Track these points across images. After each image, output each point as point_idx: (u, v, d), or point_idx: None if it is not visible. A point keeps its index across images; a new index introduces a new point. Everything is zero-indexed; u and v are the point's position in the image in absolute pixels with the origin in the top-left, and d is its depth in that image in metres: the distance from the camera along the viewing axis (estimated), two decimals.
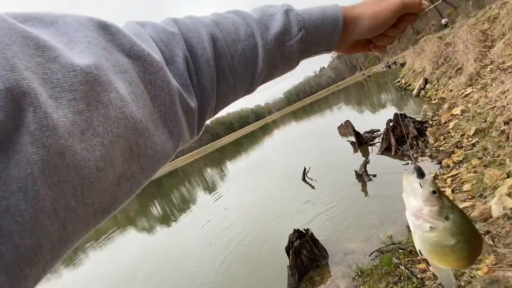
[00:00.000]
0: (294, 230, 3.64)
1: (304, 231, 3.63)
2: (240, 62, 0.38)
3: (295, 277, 3.31)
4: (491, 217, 2.39)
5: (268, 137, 31.17)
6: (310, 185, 6.58)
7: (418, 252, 0.53)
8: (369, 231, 3.56)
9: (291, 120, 42.07)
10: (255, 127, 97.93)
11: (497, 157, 3.14)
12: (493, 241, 2.16)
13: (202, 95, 0.36)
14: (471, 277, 1.95)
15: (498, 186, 2.64)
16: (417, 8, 0.45)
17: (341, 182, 5.68)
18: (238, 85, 0.40)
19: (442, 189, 0.47)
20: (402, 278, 2.39)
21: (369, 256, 3.06)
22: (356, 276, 2.86)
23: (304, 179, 6.88)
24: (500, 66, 4.92)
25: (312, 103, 68.06)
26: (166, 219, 10.43)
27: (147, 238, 8.95)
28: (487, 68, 5.65)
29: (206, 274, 4.56)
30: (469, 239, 0.46)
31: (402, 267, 2.45)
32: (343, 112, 19.09)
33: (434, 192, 0.44)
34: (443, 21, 23.77)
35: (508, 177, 2.70)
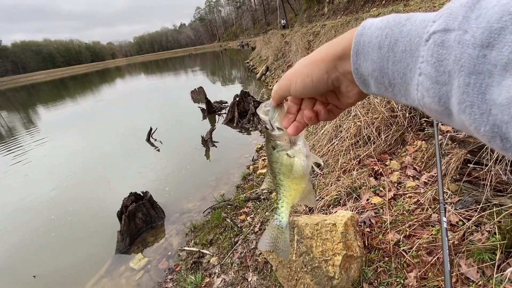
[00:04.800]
0: (130, 193, 3.38)
1: (142, 194, 3.46)
2: None
3: (126, 242, 3.14)
4: None
5: (107, 85, 25.97)
6: (154, 146, 6.25)
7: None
8: (206, 191, 3.95)
9: (141, 72, 37.20)
10: (90, 69, 77.99)
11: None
12: None
13: None
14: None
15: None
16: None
17: (187, 146, 5.81)
18: None
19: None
20: (226, 228, 2.88)
21: (203, 213, 3.42)
22: (189, 232, 3.13)
23: (148, 140, 6.44)
24: None
25: (167, 59, 63.05)
26: None
27: None
28: None
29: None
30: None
31: (228, 220, 2.95)
32: (197, 77, 19.22)
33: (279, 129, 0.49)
34: (282, 22, 28.72)
35: None
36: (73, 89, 26.84)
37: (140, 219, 3.33)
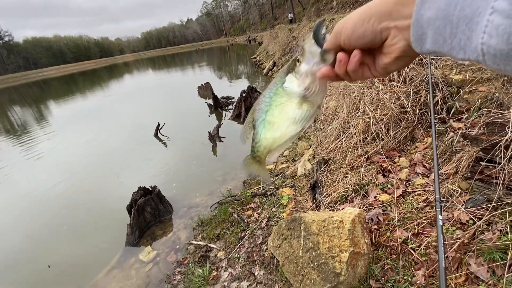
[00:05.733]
0: (139, 187, 3.44)
1: (150, 188, 3.52)
2: None
3: (135, 235, 3.21)
4: (296, 175, 3.34)
5: (116, 81, 26.28)
6: (162, 141, 6.33)
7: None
8: (213, 187, 3.99)
9: (148, 67, 37.45)
10: (99, 65, 79.04)
11: (306, 133, 4.34)
12: (295, 192, 3.05)
13: None
14: (279, 218, 2.69)
15: (304, 154, 3.70)
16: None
17: (194, 141, 5.86)
18: None
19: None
20: (233, 223, 2.91)
21: (210, 208, 3.46)
22: (196, 226, 3.18)
23: (156, 135, 6.51)
24: None
25: (174, 55, 63.26)
26: None
27: None
28: None
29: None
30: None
31: (235, 215, 2.98)
32: (204, 73, 19.24)
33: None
34: (290, 16, 28.28)
35: (310, 148, 3.82)
36: (82, 84, 27.26)
37: (148, 213, 3.39)
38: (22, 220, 4.11)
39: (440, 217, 1.17)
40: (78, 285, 2.79)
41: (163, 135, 6.53)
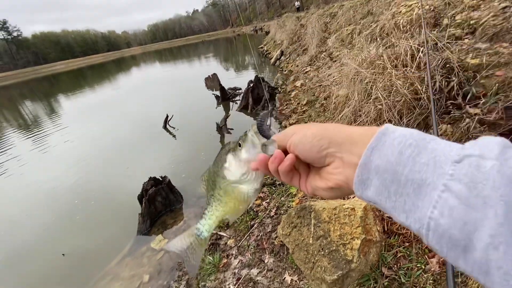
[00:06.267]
0: (150, 178, 3.49)
1: (161, 179, 3.56)
2: None
3: (147, 224, 3.28)
4: None
5: (124, 74, 26.46)
6: (171, 133, 6.37)
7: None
8: None
9: (155, 60, 37.49)
10: (107, 59, 79.54)
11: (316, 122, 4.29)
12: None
13: None
14: (288, 207, 2.68)
15: None
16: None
17: (202, 133, 5.87)
18: None
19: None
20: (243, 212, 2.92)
21: None
22: None
23: (165, 127, 6.56)
24: (330, 55, 6.48)
25: (180, 47, 63.04)
26: None
27: None
28: (322, 54, 7.29)
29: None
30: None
31: None
32: (211, 64, 19.13)
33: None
34: (297, 4, 27.45)
35: None
36: (91, 78, 27.59)
37: (159, 203, 3.44)
38: (35, 212, 4.25)
39: None
40: (92, 273, 2.87)
41: (171, 127, 6.56)
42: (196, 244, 0.53)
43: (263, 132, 0.45)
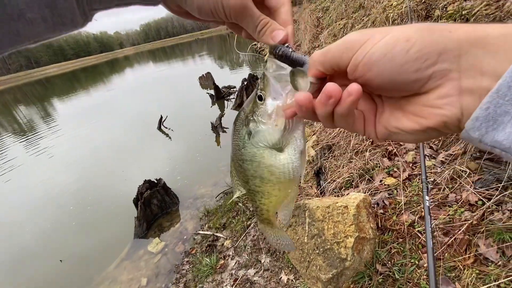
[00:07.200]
0: (145, 181, 3.47)
1: (156, 181, 3.55)
2: None
3: (143, 227, 3.27)
4: None
5: (117, 75, 26.21)
6: (166, 134, 6.33)
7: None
8: (218, 177, 4.00)
9: (149, 60, 37.17)
10: (100, 60, 78.70)
11: (312, 123, 4.27)
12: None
13: None
14: None
15: (307, 140, 3.65)
16: None
17: (197, 132, 5.84)
18: None
19: None
20: (239, 212, 2.92)
21: (216, 198, 3.48)
22: (203, 216, 3.21)
23: (160, 128, 6.51)
24: None
25: (173, 46, 62.51)
26: None
27: None
28: (315, 49, 7.24)
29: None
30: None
31: (240, 204, 2.98)
32: (205, 63, 18.99)
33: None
34: None
35: (313, 134, 3.77)
36: (84, 80, 27.32)
37: (155, 205, 3.43)
38: (31, 219, 4.22)
39: (426, 198, 1.14)
40: (90, 277, 2.87)
41: (166, 128, 6.52)
42: (276, 230, 0.48)
43: (289, 57, 0.30)
